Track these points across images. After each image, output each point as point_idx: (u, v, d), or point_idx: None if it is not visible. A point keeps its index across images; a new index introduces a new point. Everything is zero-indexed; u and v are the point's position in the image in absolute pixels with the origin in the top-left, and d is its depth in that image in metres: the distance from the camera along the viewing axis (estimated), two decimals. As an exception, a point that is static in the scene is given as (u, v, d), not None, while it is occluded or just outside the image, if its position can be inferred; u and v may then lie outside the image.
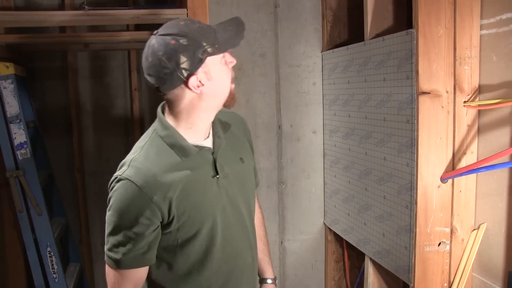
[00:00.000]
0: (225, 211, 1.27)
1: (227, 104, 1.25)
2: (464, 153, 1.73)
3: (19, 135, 2.21)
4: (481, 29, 1.70)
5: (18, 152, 2.20)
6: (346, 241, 2.51)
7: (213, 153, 1.26)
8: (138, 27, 2.62)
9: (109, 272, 1.26)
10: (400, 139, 1.79)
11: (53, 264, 2.25)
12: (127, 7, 2.40)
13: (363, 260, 2.22)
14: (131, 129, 2.89)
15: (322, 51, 2.52)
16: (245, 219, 1.34)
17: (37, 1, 2.76)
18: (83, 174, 2.84)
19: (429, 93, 1.68)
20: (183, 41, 1.11)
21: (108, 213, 1.23)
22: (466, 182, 1.74)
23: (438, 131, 1.70)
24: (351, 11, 2.47)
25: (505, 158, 1.53)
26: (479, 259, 1.72)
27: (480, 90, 1.72)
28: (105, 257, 1.26)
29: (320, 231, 2.74)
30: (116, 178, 1.20)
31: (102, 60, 2.86)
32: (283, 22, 2.42)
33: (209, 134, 1.28)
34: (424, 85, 1.67)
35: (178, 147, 1.20)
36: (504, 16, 1.60)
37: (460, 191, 1.74)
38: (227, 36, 1.19)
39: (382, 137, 1.92)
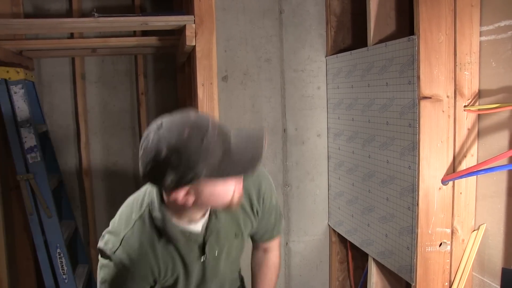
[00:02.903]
0: (205, 283, 1.30)
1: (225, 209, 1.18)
2: (465, 156, 1.78)
3: (29, 139, 2.26)
4: (480, 36, 1.75)
5: (28, 156, 2.26)
6: (350, 242, 2.56)
7: (204, 236, 1.22)
8: (145, 33, 2.67)
9: None
10: (402, 142, 1.83)
11: (63, 265, 2.31)
12: (134, 14, 2.45)
13: (367, 260, 2.26)
14: (138, 132, 2.94)
15: (326, 56, 2.57)
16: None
17: (44, 7, 2.82)
18: (91, 177, 2.90)
19: (430, 97, 1.72)
20: (174, 158, 0.99)
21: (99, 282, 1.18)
22: (467, 184, 1.78)
23: (439, 135, 1.75)
24: (354, 17, 2.51)
25: (504, 161, 1.57)
26: (479, 259, 1.76)
27: (480, 94, 1.77)
28: None
29: (324, 232, 2.78)
30: (106, 255, 1.15)
31: (109, 65, 2.91)
32: (288, 27, 2.47)
33: (205, 213, 1.21)
34: (425, 90, 1.71)
35: (166, 234, 1.16)
36: (502, 23, 1.64)
37: (461, 193, 1.78)
38: (240, 158, 1.04)
39: (385, 141, 1.97)
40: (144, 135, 1.05)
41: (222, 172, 1.03)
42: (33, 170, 2.24)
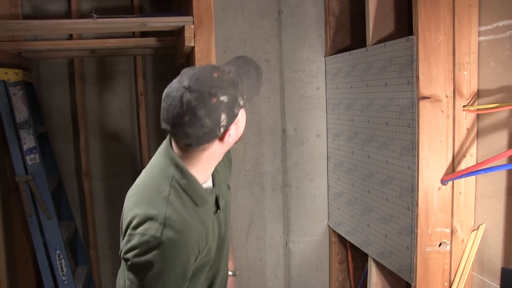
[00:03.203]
0: (220, 238, 1.29)
1: (237, 142, 1.24)
2: (464, 155, 1.78)
3: (29, 140, 2.26)
4: (479, 36, 1.75)
5: (27, 157, 2.25)
6: (349, 243, 2.56)
7: (216, 189, 1.26)
8: (144, 34, 2.67)
9: None
10: (402, 142, 1.83)
11: (62, 266, 2.30)
12: (133, 15, 2.45)
13: (367, 260, 2.26)
14: (137, 133, 2.94)
15: (325, 56, 2.57)
16: (228, 239, 1.39)
17: (43, 8, 2.82)
18: (90, 178, 2.89)
19: (429, 97, 1.73)
20: (223, 98, 1.06)
21: (146, 276, 1.08)
22: (466, 184, 1.78)
23: (438, 135, 1.75)
24: (353, 17, 2.52)
25: (503, 161, 1.57)
26: (479, 259, 1.76)
27: (478, 94, 1.77)
28: None
29: (324, 232, 2.78)
30: (152, 243, 1.06)
31: (108, 66, 2.91)
32: (287, 28, 2.47)
33: None
34: (424, 90, 1.71)
35: (198, 197, 1.16)
36: (500, 23, 1.65)
37: (460, 193, 1.78)
38: (252, 84, 1.17)
39: (384, 141, 1.97)
40: (173, 104, 1.05)
41: (248, 98, 1.15)
42: (32, 171, 2.24)
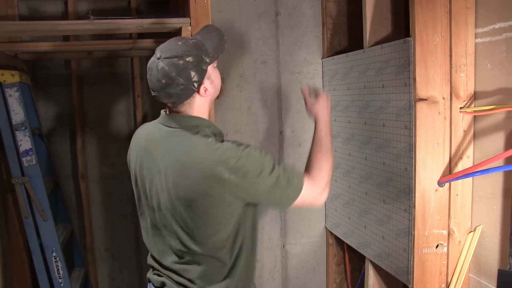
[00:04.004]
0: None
1: (217, 97, 1.52)
2: (461, 157, 1.78)
3: (25, 142, 2.25)
4: (476, 38, 1.75)
5: (23, 159, 2.24)
6: (347, 244, 2.56)
7: None
8: (141, 35, 2.67)
9: (306, 187, 1.38)
10: (399, 144, 1.83)
11: (58, 269, 2.29)
12: (130, 17, 2.44)
13: (364, 262, 2.26)
14: (134, 135, 2.94)
15: (322, 58, 2.57)
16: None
17: (40, 9, 2.81)
18: (87, 180, 2.88)
19: (426, 99, 1.73)
20: (189, 59, 1.30)
21: (260, 159, 1.32)
22: (463, 186, 1.78)
23: (435, 137, 1.75)
24: (350, 19, 2.52)
25: (499, 162, 1.57)
26: (476, 260, 1.77)
27: (475, 96, 1.77)
28: (295, 180, 1.37)
29: (321, 234, 2.78)
30: (239, 151, 1.30)
31: (105, 67, 2.91)
32: (284, 29, 2.47)
33: None
34: (421, 92, 1.72)
35: (219, 134, 1.43)
36: (497, 26, 1.65)
37: (457, 195, 1.78)
38: (215, 44, 1.42)
39: (381, 143, 1.97)
40: (153, 74, 1.32)
41: (213, 55, 1.39)
42: (29, 173, 2.23)
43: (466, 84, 1.77)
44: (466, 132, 1.78)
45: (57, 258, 2.29)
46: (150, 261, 1.54)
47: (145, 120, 2.93)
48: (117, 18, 2.03)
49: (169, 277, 1.44)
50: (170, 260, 1.43)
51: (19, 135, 2.24)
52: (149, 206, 1.46)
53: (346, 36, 2.53)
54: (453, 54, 1.74)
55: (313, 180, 1.44)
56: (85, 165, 2.87)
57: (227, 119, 2.50)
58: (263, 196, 1.34)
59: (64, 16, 2.80)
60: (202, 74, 1.34)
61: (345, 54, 2.26)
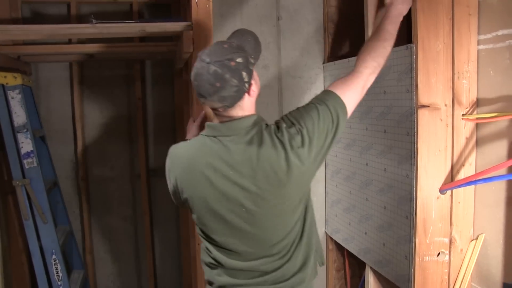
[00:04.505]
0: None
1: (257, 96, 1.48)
2: (463, 165, 1.77)
3: (26, 144, 2.25)
4: (478, 44, 1.74)
5: (25, 161, 2.24)
6: (347, 250, 2.54)
7: None
8: (143, 39, 2.67)
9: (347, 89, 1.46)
10: (400, 151, 1.82)
11: (58, 271, 2.29)
12: (132, 21, 2.44)
13: (364, 268, 2.24)
14: (135, 137, 2.93)
15: (323, 63, 2.56)
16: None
17: (43, 11, 2.81)
18: (88, 182, 2.88)
19: (428, 106, 1.71)
20: (239, 60, 1.30)
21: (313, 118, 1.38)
22: (465, 194, 1.77)
23: (437, 144, 1.74)
24: (352, 24, 2.51)
25: (502, 171, 1.56)
26: (478, 269, 1.75)
27: (478, 103, 1.76)
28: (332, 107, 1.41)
29: (321, 240, 2.77)
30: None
31: (107, 70, 2.91)
32: (286, 34, 2.47)
33: None
34: (423, 98, 1.70)
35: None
36: (500, 32, 1.64)
37: (459, 202, 1.77)
38: (252, 46, 1.42)
39: (382, 149, 1.96)
40: (203, 78, 1.29)
41: (254, 58, 1.40)
42: (29, 175, 2.23)
43: (468, 91, 1.75)
44: (468, 139, 1.77)
45: (57, 261, 2.29)
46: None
47: (147, 123, 2.93)
48: (119, 22, 2.02)
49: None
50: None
51: (21, 137, 2.25)
52: (232, 224, 1.39)
53: (347, 41, 2.53)
54: (455, 61, 1.73)
55: (356, 74, 1.50)
56: (85, 167, 2.87)
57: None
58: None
59: (67, 18, 2.80)
60: (250, 74, 1.34)
61: (347, 59, 2.25)
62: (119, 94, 2.93)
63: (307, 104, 1.43)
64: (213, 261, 1.46)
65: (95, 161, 2.91)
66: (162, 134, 2.98)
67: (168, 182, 1.48)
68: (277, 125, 1.38)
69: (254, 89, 1.37)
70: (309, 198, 1.47)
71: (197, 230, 1.49)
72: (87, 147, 2.89)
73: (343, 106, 1.42)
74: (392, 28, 1.60)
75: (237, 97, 1.32)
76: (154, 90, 2.96)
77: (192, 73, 1.34)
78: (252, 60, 1.36)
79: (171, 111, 2.95)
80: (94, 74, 2.90)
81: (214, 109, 1.38)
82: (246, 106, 1.37)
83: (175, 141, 2.93)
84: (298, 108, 1.43)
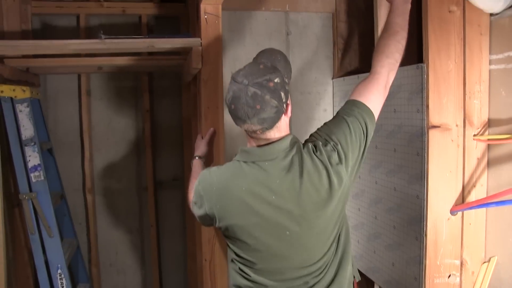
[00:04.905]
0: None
1: None
2: (474, 186, 1.74)
3: (33, 157, 2.25)
4: (490, 64, 1.72)
5: (32, 175, 2.24)
6: (354, 267, 2.51)
7: None
8: (151, 52, 2.67)
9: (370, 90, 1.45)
10: (410, 170, 1.80)
11: (63, 286, 2.28)
12: (141, 36, 2.44)
13: (373, 286, 2.22)
14: (142, 149, 2.93)
15: (333, 78, 2.54)
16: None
17: (52, 23, 2.83)
18: (94, 194, 2.88)
19: (439, 126, 1.70)
20: (276, 80, 1.26)
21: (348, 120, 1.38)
22: (476, 215, 1.74)
23: (448, 164, 1.72)
24: (361, 39, 2.49)
25: (515, 194, 1.53)
26: (490, 293, 1.72)
27: (489, 123, 1.74)
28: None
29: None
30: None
31: (115, 82, 2.91)
32: (295, 49, 2.46)
33: None
34: (434, 119, 1.69)
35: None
36: (512, 53, 1.62)
37: (470, 224, 1.74)
38: (283, 66, 1.41)
39: (392, 167, 1.94)
40: (242, 101, 1.25)
41: (288, 77, 1.40)
42: (36, 189, 2.23)
43: (480, 111, 1.73)
44: (479, 160, 1.75)
45: (62, 275, 2.28)
46: None
47: (155, 135, 2.93)
48: (128, 37, 2.02)
49: None
50: None
51: (28, 150, 2.24)
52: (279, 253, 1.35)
53: (357, 56, 2.51)
54: (466, 81, 1.72)
55: (375, 75, 1.47)
56: (92, 179, 2.87)
57: (236, 139, 2.48)
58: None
59: (76, 30, 2.81)
60: (287, 94, 1.31)
61: (356, 75, 2.24)
62: (127, 106, 2.93)
63: (335, 118, 1.42)
64: (251, 285, 1.41)
65: (102, 173, 2.91)
66: (170, 146, 2.97)
67: (196, 206, 1.43)
68: (314, 144, 1.35)
69: (290, 108, 1.35)
70: (344, 211, 1.44)
71: (231, 254, 1.45)
72: (94, 159, 2.89)
73: (370, 113, 1.40)
74: (401, 20, 1.54)
75: (276, 118, 1.28)
76: (162, 102, 2.96)
77: (228, 97, 1.29)
78: (286, 80, 1.33)
79: (179, 124, 2.95)
80: (102, 85, 2.90)
81: (250, 132, 1.33)
82: (283, 127, 1.34)
83: (183, 153, 2.94)
84: (326, 124, 1.41)
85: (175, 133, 2.96)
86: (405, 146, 1.83)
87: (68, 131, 2.88)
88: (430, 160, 1.70)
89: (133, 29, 2.88)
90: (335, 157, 1.31)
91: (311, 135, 1.41)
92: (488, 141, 1.71)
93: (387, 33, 1.53)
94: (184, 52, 2.25)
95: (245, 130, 1.34)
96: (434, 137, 1.70)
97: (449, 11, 1.67)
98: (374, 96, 1.43)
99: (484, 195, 1.74)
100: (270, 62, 1.37)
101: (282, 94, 1.27)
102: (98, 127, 2.91)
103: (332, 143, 1.33)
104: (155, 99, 2.96)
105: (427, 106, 1.68)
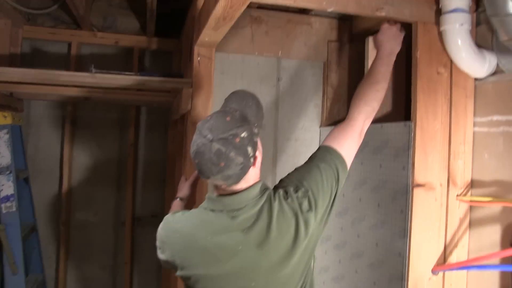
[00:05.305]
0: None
1: None
2: (456, 246, 1.73)
3: (7, 187, 2.18)
4: (474, 126, 1.75)
5: (2, 205, 2.16)
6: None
7: None
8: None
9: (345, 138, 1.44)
10: (393, 227, 1.79)
11: (24, 325, 2.16)
12: (132, 71, 2.44)
13: None
14: (123, 183, 2.87)
15: (320, 127, 2.56)
16: None
17: (43, 49, 2.81)
18: (69, 227, 2.79)
19: (424, 185, 1.70)
20: (243, 135, 1.20)
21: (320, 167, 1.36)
22: (457, 276, 1.72)
23: (431, 223, 1.71)
24: (351, 89, 2.53)
25: (496, 260, 1.53)
26: None
27: (472, 184, 1.74)
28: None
29: None
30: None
31: (101, 113, 2.89)
32: (285, 95, 2.48)
33: None
34: (419, 177, 1.69)
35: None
36: (495, 118, 1.65)
37: (451, 285, 1.72)
38: (254, 112, 1.32)
39: (375, 222, 1.92)
40: (205, 158, 1.18)
41: (258, 125, 1.29)
42: (6, 220, 2.14)
43: (463, 172, 1.74)
44: (462, 220, 1.75)
45: (24, 315, 2.16)
46: None
47: (137, 168, 2.88)
48: (119, 73, 2.01)
49: None
50: None
51: (2, 179, 2.18)
52: None
53: (345, 106, 2.54)
54: (452, 141, 1.73)
55: (351, 122, 1.48)
56: (68, 210, 2.79)
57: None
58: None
59: (67, 57, 2.80)
60: (255, 147, 1.24)
61: (344, 126, 2.25)
62: (111, 138, 2.90)
63: (308, 164, 1.39)
64: None
65: (79, 205, 2.83)
66: (152, 182, 2.92)
67: (159, 251, 1.37)
68: (285, 190, 1.30)
69: (259, 159, 1.29)
70: (310, 264, 1.39)
71: None
72: (72, 190, 2.82)
73: (343, 161, 1.39)
74: (384, 70, 1.57)
75: (242, 173, 1.22)
76: (147, 136, 2.93)
77: (192, 150, 1.23)
78: (255, 130, 1.26)
79: (163, 160, 2.91)
80: (88, 115, 2.87)
81: (215, 185, 1.29)
82: (251, 177, 1.27)
83: (164, 190, 2.89)
84: (298, 169, 1.38)
85: (158, 169, 2.92)
86: (389, 202, 1.82)
87: (48, 159, 2.81)
88: (414, 218, 1.69)
89: (125, 60, 2.88)
90: (305, 203, 1.27)
91: (281, 180, 1.37)
92: (471, 202, 1.71)
93: (368, 81, 1.55)
94: (174, 90, 2.25)
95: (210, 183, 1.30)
96: (418, 195, 1.69)
97: (438, 73, 1.71)
98: (348, 142, 1.43)
99: (466, 256, 1.73)
100: (240, 109, 1.29)
101: (249, 148, 1.21)
102: (80, 157, 2.85)
103: (303, 189, 1.29)
104: (140, 132, 2.93)
105: (413, 164, 1.69)
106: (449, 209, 1.73)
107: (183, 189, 1.78)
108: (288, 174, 1.38)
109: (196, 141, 1.22)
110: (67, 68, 2.74)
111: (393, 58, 1.62)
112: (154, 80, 2.01)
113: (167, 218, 1.38)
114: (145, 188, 2.92)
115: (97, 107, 2.88)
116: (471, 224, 1.74)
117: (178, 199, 1.72)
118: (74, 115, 2.84)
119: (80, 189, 2.83)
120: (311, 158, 1.41)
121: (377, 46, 1.69)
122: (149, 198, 2.90)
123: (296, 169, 1.39)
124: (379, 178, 1.90)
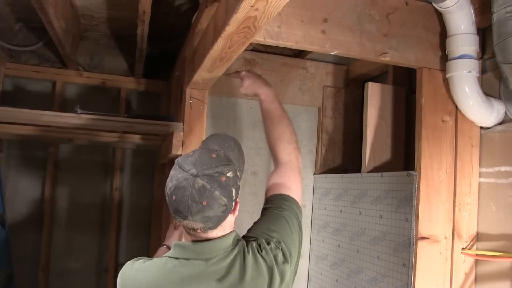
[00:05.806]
0: None
1: None
2: (462, 303, 1.63)
3: (-18, 233, 2.02)
4: (480, 177, 1.69)
5: (-24, 252, 2.00)
6: None
7: None
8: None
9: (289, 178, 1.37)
10: (395, 281, 1.69)
11: None
12: (119, 115, 2.34)
13: None
14: (107, 228, 2.73)
15: (314, 174, 2.48)
16: None
17: (26, 87, 2.72)
18: (48, 274, 2.62)
19: (428, 238, 1.62)
20: (229, 174, 1.11)
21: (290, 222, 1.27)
22: (464, 337, 1.62)
23: (435, 278, 1.62)
24: (346, 136, 2.48)
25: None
26: None
27: (478, 237, 1.68)
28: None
29: None
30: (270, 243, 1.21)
31: (85, 155, 2.77)
32: (278, 140, 2.41)
33: None
34: (423, 230, 1.61)
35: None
36: (502, 169, 1.60)
37: None
38: (236, 155, 1.25)
39: (374, 276, 1.81)
40: (187, 194, 1.07)
41: (240, 169, 1.22)
42: (-21, 270, 1.98)
43: (469, 224, 1.67)
44: (467, 275, 1.66)
45: None
46: None
47: (121, 213, 2.74)
48: (106, 114, 1.92)
49: None
50: None
51: (-23, 225, 2.02)
52: None
53: (340, 153, 2.47)
54: (457, 192, 1.67)
55: (288, 164, 1.41)
56: (48, 257, 2.63)
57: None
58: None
59: (51, 97, 2.70)
60: (238, 191, 1.14)
61: (341, 174, 2.17)
62: (95, 181, 2.77)
63: (269, 215, 1.28)
64: None
65: (59, 250, 2.67)
66: (137, 228, 2.78)
67: None
68: (258, 243, 1.19)
69: (238, 206, 1.19)
70: None
71: None
72: (53, 235, 2.66)
73: (298, 205, 1.33)
74: (278, 104, 1.53)
75: (223, 217, 1.11)
76: (133, 180, 2.81)
77: (170, 185, 1.10)
78: (239, 173, 1.18)
79: (149, 205, 2.78)
80: (71, 157, 2.75)
81: (189, 229, 1.13)
82: (227, 225, 1.16)
83: (150, 236, 2.75)
84: (259, 222, 1.27)
85: (144, 215, 2.79)
86: (390, 255, 1.73)
87: (27, 202, 2.66)
88: (417, 272, 1.60)
89: (111, 101, 2.80)
90: (280, 255, 1.18)
91: (249, 231, 1.26)
92: (477, 256, 1.63)
93: (274, 121, 1.50)
94: (163, 133, 2.16)
95: (183, 226, 1.15)
96: (422, 248, 1.61)
97: (442, 121, 1.66)
98: (295, 185, 1.38)
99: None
100: (222, 150, 1.21)
101: (233, 191, 1.11)
102: (61, 201, 2.71)
103: (274, 240, 1.19)
104: (125, 176, 2.81)
105: (417, 216, 1.61)
106: (454, 263, 1.65)
107: (172, 237, 1.67)
108: (252, 227, 1.27)
109: (175, 176, 1.10)
110: (51, 108, 2.64)
111: (274, 92, 1.59)
112: (143, 122, 1.92)
113: (127, 265, 1.23)
114: (130, 234, 2.77)
115: (81, 148, 2.76)
116: (477, 280, 1.66)
117: (165, 246, 1.61)
118: (57, 157, 2.71)
119: (61, 234, 2.68)
120: (270, 209, 1.30)
121: (252, 93, 1.63)
122: (134, 244, 2.75)
123: (256, 222, 1.28)
124: (379, 229, 1.81)
